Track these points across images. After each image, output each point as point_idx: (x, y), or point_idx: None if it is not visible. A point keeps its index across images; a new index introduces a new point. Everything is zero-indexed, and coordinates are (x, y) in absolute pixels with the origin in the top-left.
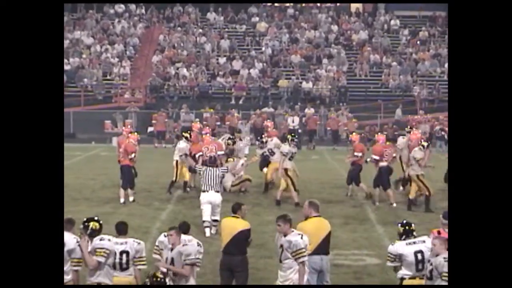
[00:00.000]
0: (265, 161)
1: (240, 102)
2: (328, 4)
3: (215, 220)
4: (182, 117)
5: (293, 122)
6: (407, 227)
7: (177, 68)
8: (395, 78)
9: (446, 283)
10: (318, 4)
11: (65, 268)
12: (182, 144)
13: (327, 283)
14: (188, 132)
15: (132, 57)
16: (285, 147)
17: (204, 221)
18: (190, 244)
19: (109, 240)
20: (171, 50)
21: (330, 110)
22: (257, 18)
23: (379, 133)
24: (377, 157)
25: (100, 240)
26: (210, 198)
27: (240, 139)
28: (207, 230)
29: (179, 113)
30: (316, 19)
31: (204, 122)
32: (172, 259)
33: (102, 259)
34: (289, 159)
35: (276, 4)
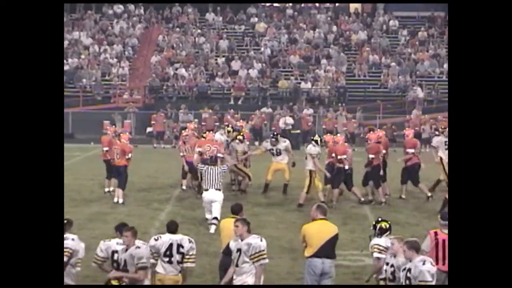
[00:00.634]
0: None
1: (239, 102)
2: (327, 5)
3: (215, 218)
4: (181, 118)
5: (285, 122)
6: (385, 226)
7: (176, 69)
8: (394, 79)
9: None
10: (317, 5)
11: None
12: (218, 136)
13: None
14: (205, 132)
15: (131, 58)
16: (314, 149)
17: (207, 219)
18: (143, 247)
19: (72, 239)
20: (170, 51)
21: (328, 110)
22: (256, 19)
23: (338, 134)
24: (344, 156)
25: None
26: (211, 196)
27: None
28: (210, 227)
29: (178, 113)
30: (315, 19)
31: (203, 123)
32: (125, 261)
33: (65, 259)
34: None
35: (275, 5)
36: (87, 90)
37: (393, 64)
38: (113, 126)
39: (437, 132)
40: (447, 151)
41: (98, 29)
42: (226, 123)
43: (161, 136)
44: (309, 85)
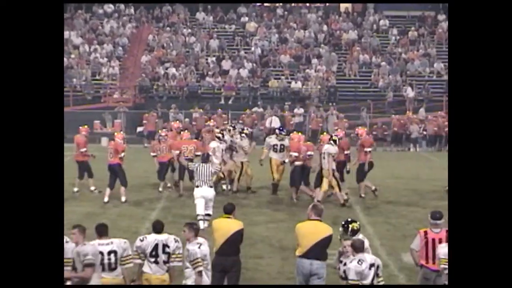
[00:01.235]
0: None
1: (230, 102)
2: (318, 4)
3: (208, 214)
4: (171, 117)
5: (271, 122)
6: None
7: (166, 68)
8: (385, 78)
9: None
10: (308, 4)
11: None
12: (214, 144)
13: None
14: (221, 132)
15: (121, 57)
16: (332, 148)
17: (198, 215)
18: (89, 244)
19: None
20: (160, 50)
21: (318, 109)
22: (247, 18)
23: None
24: (295, 154)
25: None
26: (203, 193)
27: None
28: (201, 223)
29: (168, 113)
30: (306, 19)
31: (193, 123)
32: (73, 259)
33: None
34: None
35: (265, 4)
36: (77, 89)
37: (383, 63)
38: (86, 126)
39: (424, 132)
40: None
41: (88, 28)
42: (215, 123)
43: (152, 136)
44: (299, 84)
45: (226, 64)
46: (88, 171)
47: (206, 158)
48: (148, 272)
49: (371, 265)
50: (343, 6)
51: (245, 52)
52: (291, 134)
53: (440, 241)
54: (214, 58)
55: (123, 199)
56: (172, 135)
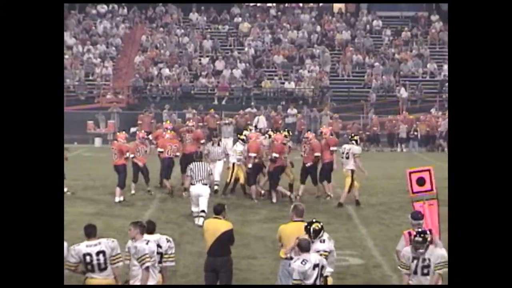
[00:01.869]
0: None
1: (223, 102)
2: (311, 5)
3: (203, 211)
4: (164, 118)
5: (257, 122)
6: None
7: (160, 69)
8: (378, 78)
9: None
10: (301, 5)
11: None
12: (240, 147)
13: None
14: (245, 134)
15: (114, 58)
16: (358, 148)
17: (193, 212)
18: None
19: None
20: (154, 51)
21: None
22: (240, 19)
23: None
24: (253, 154)
25: None
26: (198, 191)
27: (218, 144)
28: (196, 220)
29: (162, 113)
30: (299, 19)
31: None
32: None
33: None
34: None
35: (258, 5)
36: (71, 90)
37: (376, 64)
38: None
39: (416, 133)
40: None
41: (82, 29)
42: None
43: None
44: (292, 85)
45: (219, 65)
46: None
47: (199, 156)
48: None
49: (315, 266)
50: (336, 6)
51: (239, 53)
52: (273, 135)
53: None
54: (207, 59)
55: (121, 198)
56: (156, 134)
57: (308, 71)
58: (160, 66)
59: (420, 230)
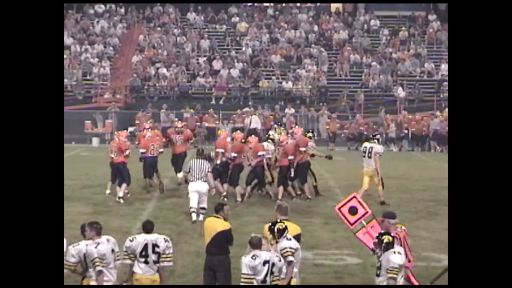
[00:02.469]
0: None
1: (221, 102)
2: (308, 4)
3: (203, 208)
4: (162, 118)
5: (250, 122)
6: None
7: (157, 68)
8: (375, 78)
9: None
10: (298, 4)
11: None
12: (271, 146)
13: None
14: (273, 134)
15: (112, 57)
16: (380, 147)
17: (191, 207)
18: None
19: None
20: (151, 50)
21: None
22: (237, 18)
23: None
24: (221, 150)
25: None
26: (197, 187)
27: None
28: (194, 215)
29: (159, 113)
30: (296, 19)
31: (184, 123)
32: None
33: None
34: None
35: (256, 4)
36: (68, 90)
37: (374, 63)
38: None
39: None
40: None
41: (79, 28)
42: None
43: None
44: (290, 84)
45: (217, 64)
46: None
47: (200, 153)
48: (138, 272)
49: (266, 262)
50: (333, 6)
51: (236, 52)
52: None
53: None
54: (205, 58)
55: (120, 194)
56: (139, 136)
57: (306, 71)
58: (158, 65)
59: (381, 231)
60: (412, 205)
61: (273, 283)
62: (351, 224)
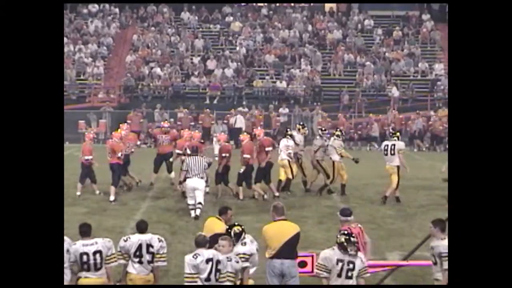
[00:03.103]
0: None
1: (215, 101)
2: (302, 4)
3: (200, 203)
4: (156, 117)
5: (235, 122)
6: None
7: (151, 68)
8: (369, 78)
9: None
10: (292, 4)
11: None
12: (290, 142)
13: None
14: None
15: (105, 57)
16: (402, 143)
17: (188, 204)
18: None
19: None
20: (145, 50)
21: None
22: (231, 18)
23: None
24: (179, 151)
25: None
26: (194, 184)
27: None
28: (192, 212)
29: (153, 113)
30: (290, 18)
31: (178, 122)
32: (101, 261)
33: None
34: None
35: (250, 4)
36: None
37: (368, 63)
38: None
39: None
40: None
41: (73, 28)
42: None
43: (137, 136)
44: (284, 84)
45: (211, 64)
46: None
47: (195, 151)
48: (132, 272)
49: (209, 260)
50: (327, 6)
51: (230, 52)
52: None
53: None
54: (199, 58)
55: (111, 198)
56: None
57: (300, 71)
58: (152, 65)
59: (345, 232)
60: (406, 204)
61: (224, 282)
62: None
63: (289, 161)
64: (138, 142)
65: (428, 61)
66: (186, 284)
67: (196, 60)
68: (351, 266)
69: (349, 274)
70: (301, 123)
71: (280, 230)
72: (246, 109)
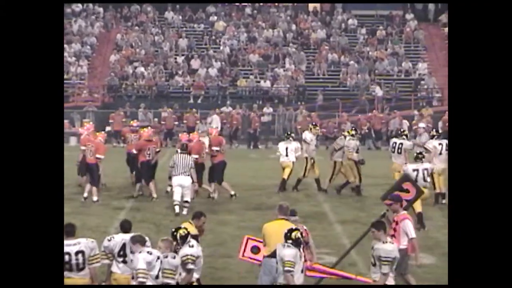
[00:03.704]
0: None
1: (199, 101)
2: (286, 4)
3: (186, 201)
4: (140, 117)
5: (211, 122)
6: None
7: (135, 67)
8: (353, 77)
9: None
10: (276, 4)
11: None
12: (296, 144)
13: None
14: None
15: (89, 57)
16: (409, 143)
17: (174, 201)
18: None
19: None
20: (129, 49)
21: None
22: (215, 17)
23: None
24: (135, 152)
25: None
26: (180, 181)
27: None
28: (177, 208)
29: (137, 112)
30: (274, 18)
31: (163, 122)
32: (83, 261)
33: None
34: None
35: (234, 3)
36: None
37: (352, 62)
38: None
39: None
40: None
41: None
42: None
43: (119, 135)
44: (268, 83)
45: (195, 63)
46: None
47: (184, 149)
48: (116, 272)
49: (158, 257)
50: (311, 5)
51: (214, 51)
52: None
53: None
54: (183, 57)
55: (94, 198)
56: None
57: (284, 70)
58: (136, 65)
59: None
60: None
61: (165, 280)
62: (242, 256)
63: (293, 162)
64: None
65: (411, 60)
66: (140, 280)
67: (180, 59)
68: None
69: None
70: (313, 123)
71: (280, 229)
72: (230, 109)
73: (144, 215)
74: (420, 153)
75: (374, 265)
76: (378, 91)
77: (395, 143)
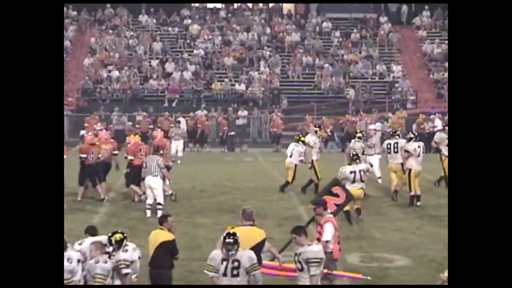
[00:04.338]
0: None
1: (173, 104)
2: (260, 6)
3: (159, 203)
4: (114, 120)
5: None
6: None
7: (109, 71)
8: (328, 80)
9: None
10: (250, 6)
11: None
12: (302, 148)
13: None
14: (301, 136)
15: (63, 60)
16: (404, 142)
17: (146, 204)
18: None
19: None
20: (103, 53)
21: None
22: (190, 20)
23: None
24: (131, 157)
25: None
26: (149, 182)
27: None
28: (148, 212)
29: (111, 116)
30: (249, 21)
31: (137, 126)
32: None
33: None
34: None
35: (208, 6)
36: None
37: (326, 65)
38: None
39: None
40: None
41: None
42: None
43: None
44: (243, 87)
45: (169, 67)
46: None
47: (156, 150)
48: None
49: (79, 261)
50: (286, 8)
51: (189, 55)
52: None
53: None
54: (157, 61)
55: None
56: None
57: (259, 73)
58: (110, 68)
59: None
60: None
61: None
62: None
63: (296, 165)
64: None
65: (385, 63)
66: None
67: (154, 63)
68: (236, 264)
69: (235, 272)
70: (317, 126)
71: (248, 235)
72: (205, 112)
73: (120, 219)
74: (356, 154)
75: (301, 269)
76: (352, 94)
77: (390, 143)
